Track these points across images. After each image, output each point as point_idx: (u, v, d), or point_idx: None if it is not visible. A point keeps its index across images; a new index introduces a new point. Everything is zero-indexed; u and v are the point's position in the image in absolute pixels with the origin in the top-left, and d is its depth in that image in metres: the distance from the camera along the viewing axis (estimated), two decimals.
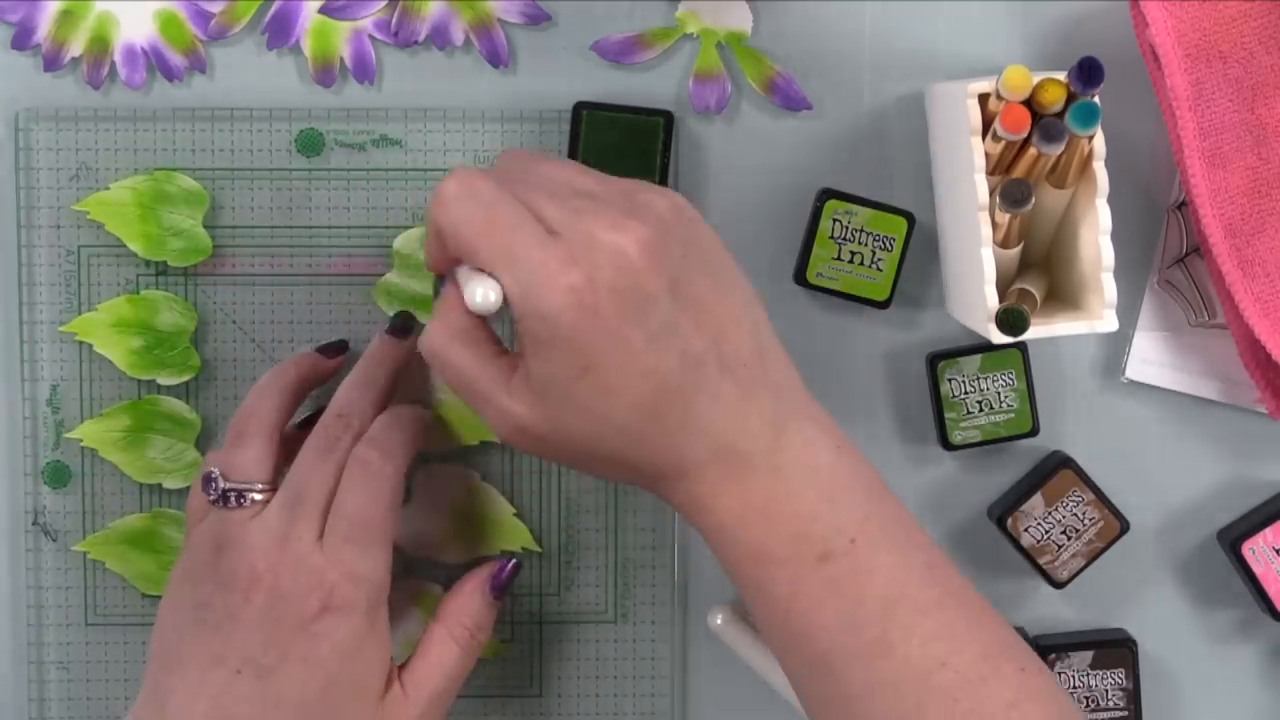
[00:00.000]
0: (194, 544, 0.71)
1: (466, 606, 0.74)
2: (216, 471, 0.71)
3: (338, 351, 0.77)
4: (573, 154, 0.76)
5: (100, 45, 0.77)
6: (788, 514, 0.65)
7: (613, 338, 0.63)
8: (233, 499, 0.70)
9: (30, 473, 0.79)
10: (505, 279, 0.64)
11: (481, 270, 0.65)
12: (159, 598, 0.79)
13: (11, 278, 0.78)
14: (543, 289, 0.63)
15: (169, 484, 0.78)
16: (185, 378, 0.78)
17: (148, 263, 0.78)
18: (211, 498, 0.70)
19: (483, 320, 0.67)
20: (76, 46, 0.77)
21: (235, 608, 0.68)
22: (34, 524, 0.79)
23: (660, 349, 0.64)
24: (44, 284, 0.78)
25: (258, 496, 0.70)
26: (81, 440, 0.78)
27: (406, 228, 0.78)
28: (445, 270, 0.69)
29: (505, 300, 0.64)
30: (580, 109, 0.76)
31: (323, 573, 0.68)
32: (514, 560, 0.75)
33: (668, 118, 0.76)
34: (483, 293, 0.64)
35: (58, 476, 0.79)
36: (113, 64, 0.77)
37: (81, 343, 0.78)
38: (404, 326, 0.77)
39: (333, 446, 0.71)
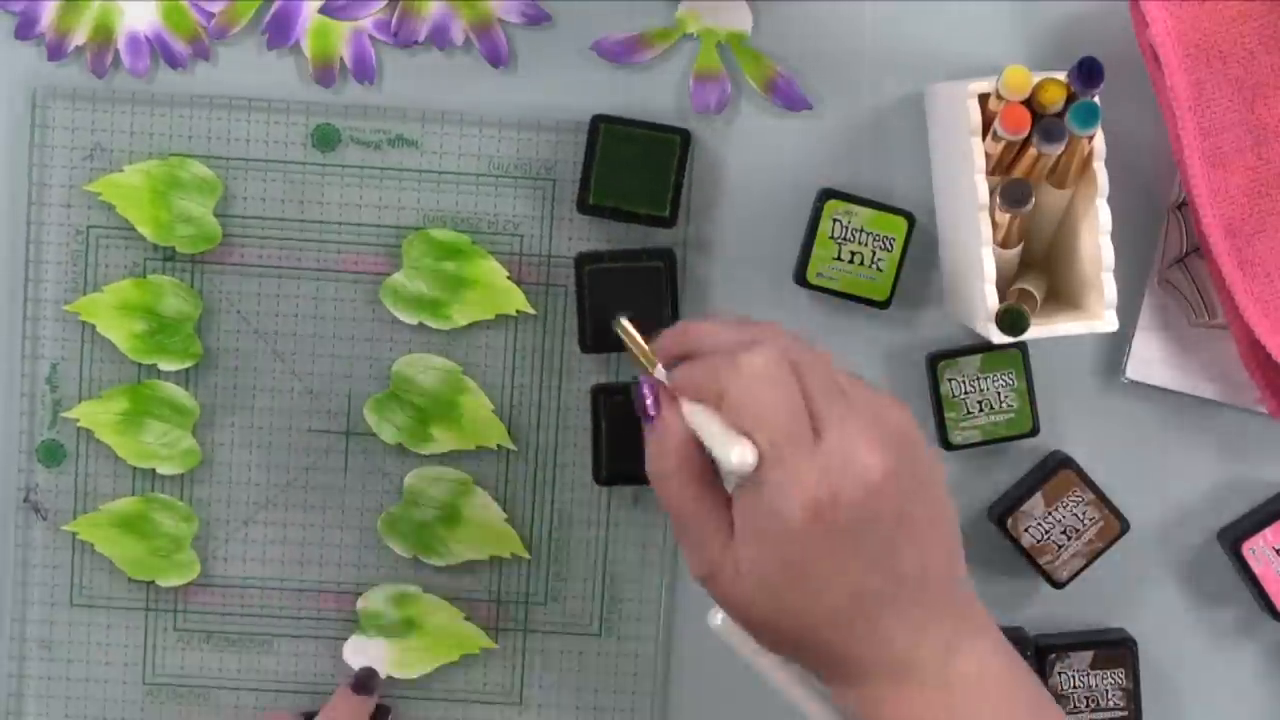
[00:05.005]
0: None
1: None
2: None
3: None
4: (588, 166, 0.76)
5: (104, 34, 0.77)
6: None
7: (833, 553, 0.64)
8: None
9: (25, 449, 0.79)
10: (764, 469, 0.64)
11: (734, 430, 0.65)
12: (146, 582, 0.79)
13: (19, 254, 0.78)
14: (790, 493, 0.64)
15: (162, 469, 0.78)
16: (186, 364, 0.78)
17: (156, 247, 0.78)
18: None
19: (704, 453, 0.67)
20: (80, 35, 0.77)
21: None
22: (25, 501, 0.79)
23: (871, 569, 0.65)
24: (51, 262, 0.78)
25: None
26: (78, 420, 0.78)
27: (417, 228, 0.78)
28: (669, 362, 0.68)
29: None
30: (598, 122, 0.76)
31: None
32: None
33: (684, 135, 0.76)
34: (739, 453, 0.64)
35: (52, 455, 0.78)
36: (116, 52, 0.77)
37: (84, 323, 0.78)
38: (365, 684, 0.78)
39: None
